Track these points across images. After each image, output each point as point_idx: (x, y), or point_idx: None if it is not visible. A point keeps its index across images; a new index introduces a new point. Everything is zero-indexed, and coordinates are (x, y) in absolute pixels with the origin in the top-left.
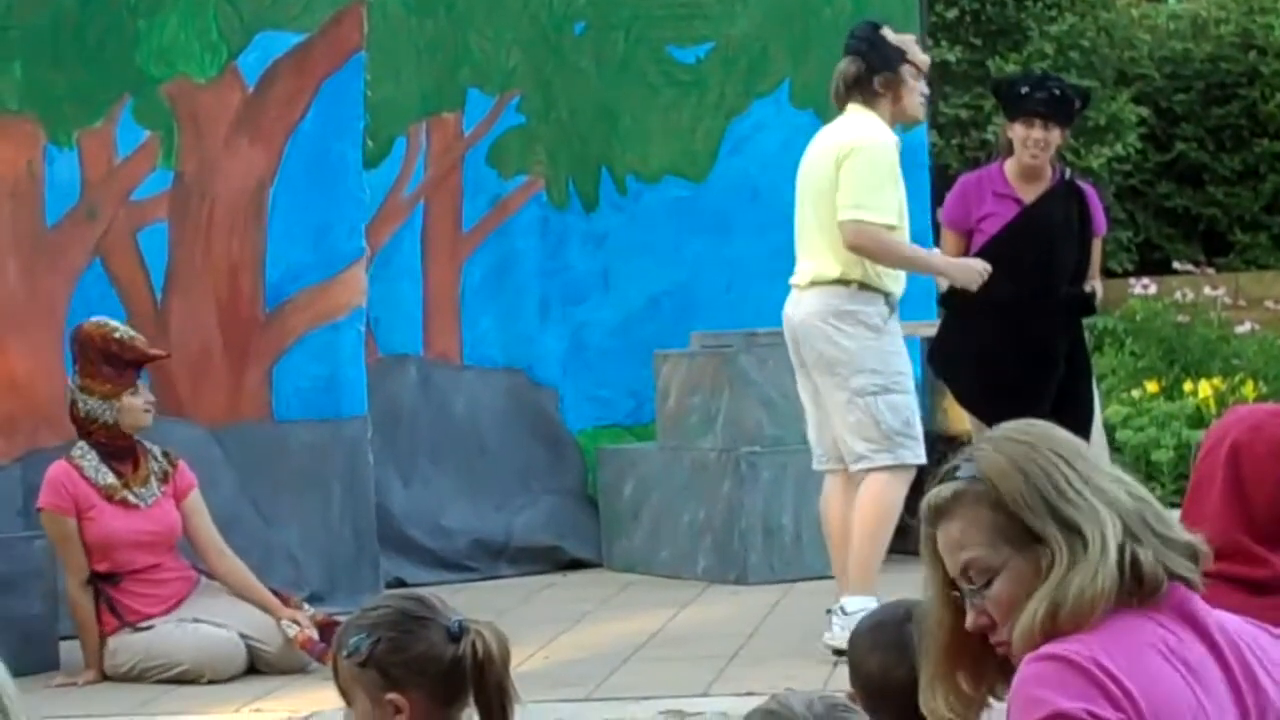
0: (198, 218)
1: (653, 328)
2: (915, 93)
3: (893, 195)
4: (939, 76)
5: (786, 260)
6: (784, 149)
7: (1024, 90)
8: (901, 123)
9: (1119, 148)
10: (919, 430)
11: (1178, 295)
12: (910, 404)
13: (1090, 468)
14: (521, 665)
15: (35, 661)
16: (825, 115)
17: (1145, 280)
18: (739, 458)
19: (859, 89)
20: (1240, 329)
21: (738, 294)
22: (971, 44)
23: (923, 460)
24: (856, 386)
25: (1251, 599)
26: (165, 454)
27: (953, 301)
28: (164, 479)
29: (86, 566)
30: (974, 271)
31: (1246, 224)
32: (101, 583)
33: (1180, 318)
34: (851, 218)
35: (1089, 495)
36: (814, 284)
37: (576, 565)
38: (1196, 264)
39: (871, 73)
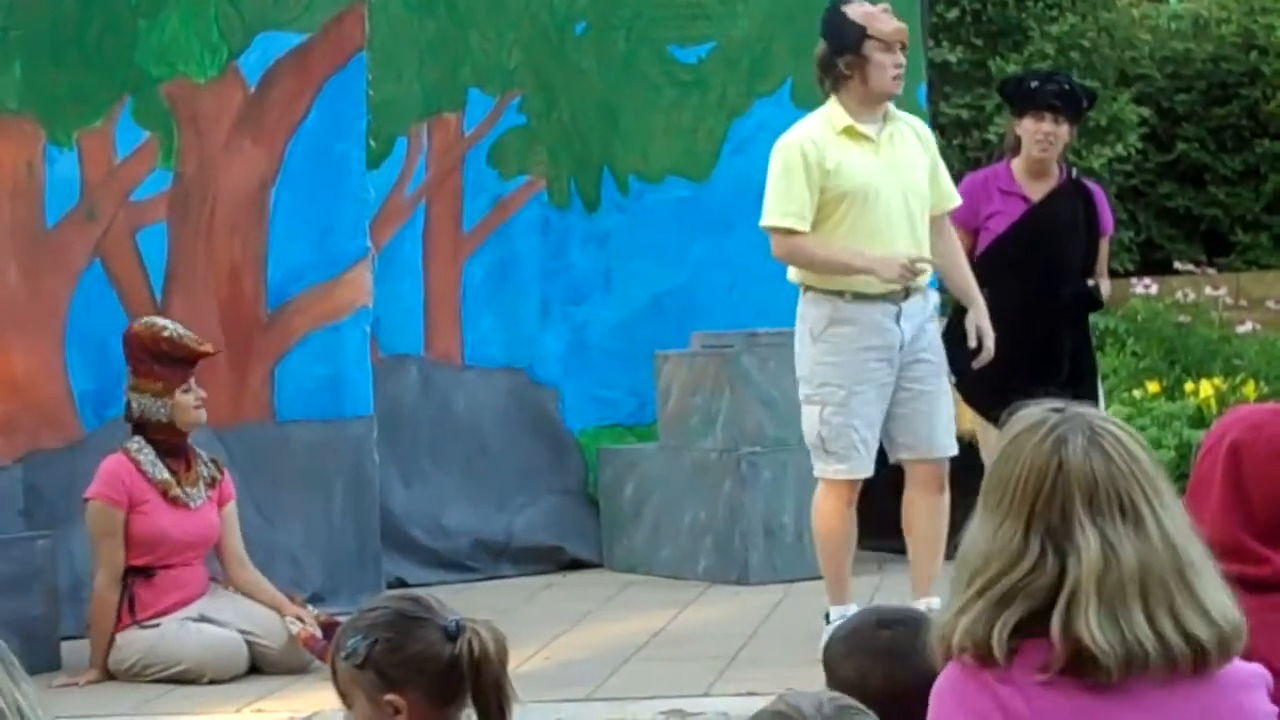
0: (198, 218)
1: (655, 328)
2: (883, 68)
3: (799, 194)
4: (940, 77)
5: None
6: None
7: (1033, 85)
8: (879, 102)
9: (1120, 148)
10: (844, 444)
11: (1179, 295)
12: (832, 417)
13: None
14: (522, 665)
15: (36, 662)
16: None
17: (1146, 280)
18: (740, 458)
19: (828, 74)
20: (1241, 329)
21: (740, 294)
22: (972, 44)
23: (844, 476)
24: (799, 394)
25: (1252, 597)
26: (214, 460)
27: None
28: (211, 484)
29: (123, 563)
30: (896, 266)
31: (1248, 224)
32: (133, 576)
33: (1181, 318)
34: (764, 223)
35: None
36: None
37: (577, 565)
38: (1198, 264)
39: (835, 55)
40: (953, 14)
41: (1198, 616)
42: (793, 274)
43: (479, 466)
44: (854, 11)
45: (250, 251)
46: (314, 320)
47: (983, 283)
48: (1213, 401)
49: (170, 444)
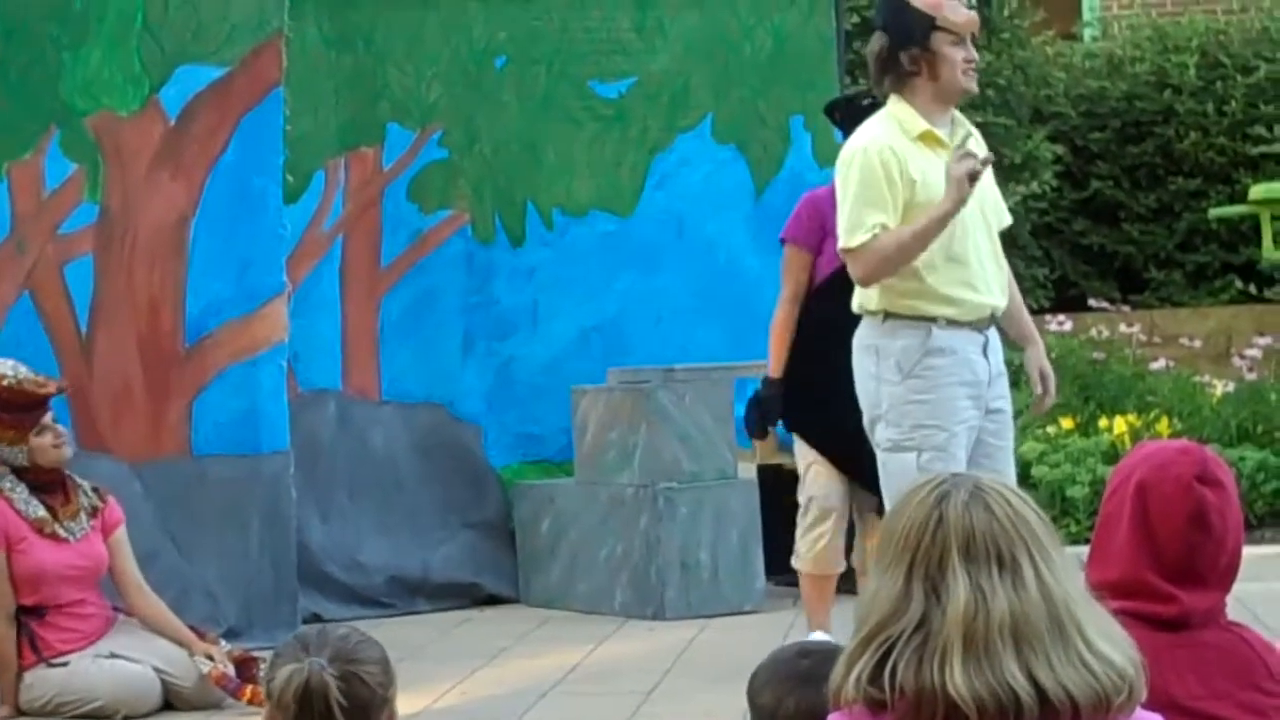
0: (121, 251)
1: (582, 363)
2: (954, 64)
3: (884, 205)
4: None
5: (713, 294)
6: (707, 183)
7: (866, 103)
8: (950, 101)
9: (1035, 185)
10: None
11: (1093, 332)
12: (932, 464)
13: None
14: (438, 701)
15: None
16: (747, 150)
17: (1061, 317)
18: (656, 493)
19: (888, 72)
20: (1155, 366)
21: (668, 328)
22: None
23: None
24: (877, 438)
25: (1159, 635)
26: (95, 489)
27: (806, 329)
28: (93, 513)
29: (13, 602)
30: (954, 180)
31: (1161, 261)
32: (26, 616)
33: (1095, 354)
34: (842, 246)
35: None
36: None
37: (494, 601)
38: (1112, 301)
39: (897, 49)
40: None
41: (1075, 669)
42: (869, 300)
43: (395, 502)
44: (920, 0)
45: (169, 285)
46: (231, 355)
47: (832, 307)
48: (1127, 438)
49: (41, 481)
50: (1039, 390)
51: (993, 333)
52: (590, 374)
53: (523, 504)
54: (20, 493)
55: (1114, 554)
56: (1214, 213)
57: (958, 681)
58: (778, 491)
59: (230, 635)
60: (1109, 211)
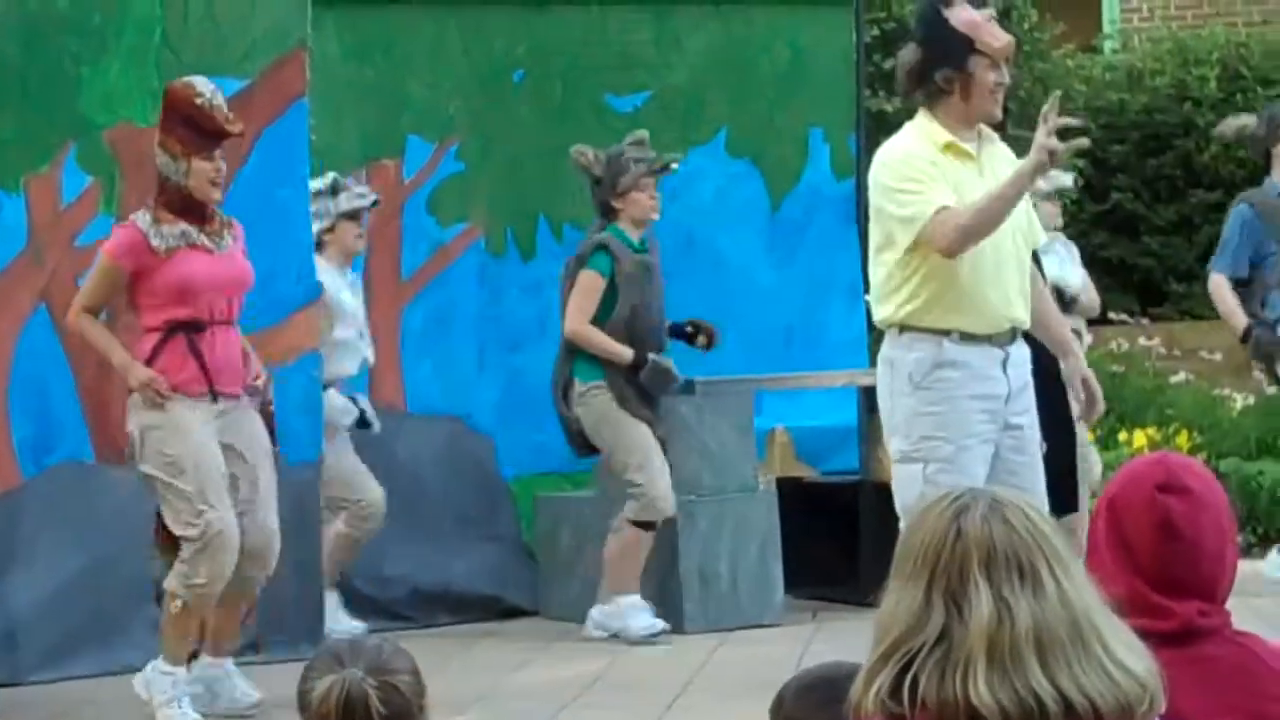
0: None
1: None
2: (986, 88)
3: (931, 175)
4: (876, 126)
5: (724, 306)
6: (719, 197)
7: None
8: (977, 123)
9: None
10: None
11: (1113, 345)
12: (938, 475)
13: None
14: (460, 715)
15: None
16: (761, 164)
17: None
18: (677, 505)
19: (921, 85)
20: (1175, 379)
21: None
22: None
23: None
24: (890, 451)
25: (1163, 651)
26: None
27: None
28: (230, 227)
29: (101, 305)
30: (1039, 146)
31: (1181, 274)
32: (190, 331)
33: (1115, 367)
34: (919, 230)
35: None
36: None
37: (514, 613)
38: (1132, 314)
39: (932, 67)
40: (890, 64)
41: (1098, 677)
42: (887, 314)
43: (418, 514)
44: (958, 18)
45: None
46: None
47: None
48: (1146, 451)
49: (187, 205)
50: (1082, 398)
51: (1016, 349)
52: None
53: (543, 517)
54: (148, 223)
55: (1101, 574)
56: None
57: (981, 692)
58: (797, 504)
59: (254, 648)
60: (1129, 224)
